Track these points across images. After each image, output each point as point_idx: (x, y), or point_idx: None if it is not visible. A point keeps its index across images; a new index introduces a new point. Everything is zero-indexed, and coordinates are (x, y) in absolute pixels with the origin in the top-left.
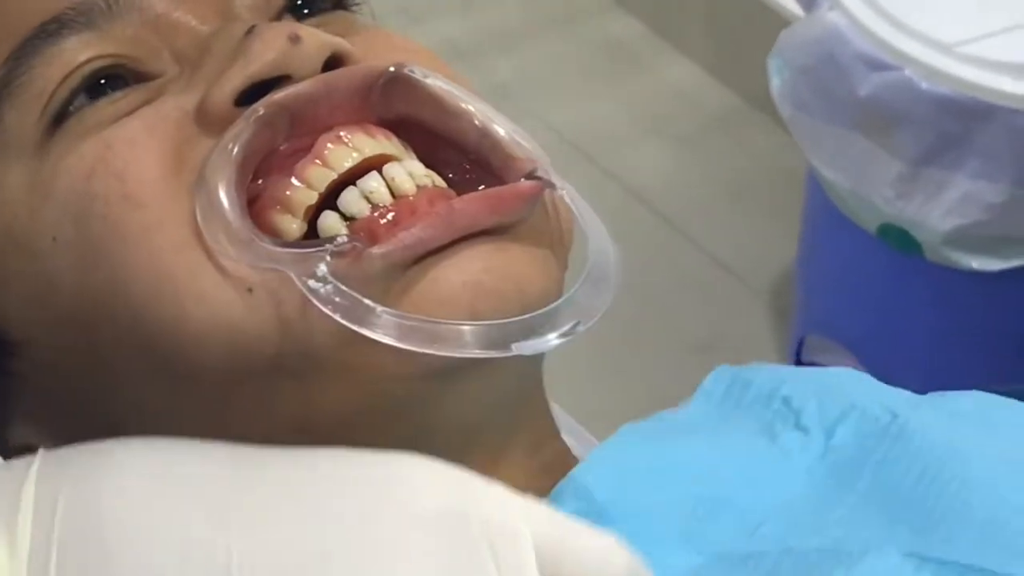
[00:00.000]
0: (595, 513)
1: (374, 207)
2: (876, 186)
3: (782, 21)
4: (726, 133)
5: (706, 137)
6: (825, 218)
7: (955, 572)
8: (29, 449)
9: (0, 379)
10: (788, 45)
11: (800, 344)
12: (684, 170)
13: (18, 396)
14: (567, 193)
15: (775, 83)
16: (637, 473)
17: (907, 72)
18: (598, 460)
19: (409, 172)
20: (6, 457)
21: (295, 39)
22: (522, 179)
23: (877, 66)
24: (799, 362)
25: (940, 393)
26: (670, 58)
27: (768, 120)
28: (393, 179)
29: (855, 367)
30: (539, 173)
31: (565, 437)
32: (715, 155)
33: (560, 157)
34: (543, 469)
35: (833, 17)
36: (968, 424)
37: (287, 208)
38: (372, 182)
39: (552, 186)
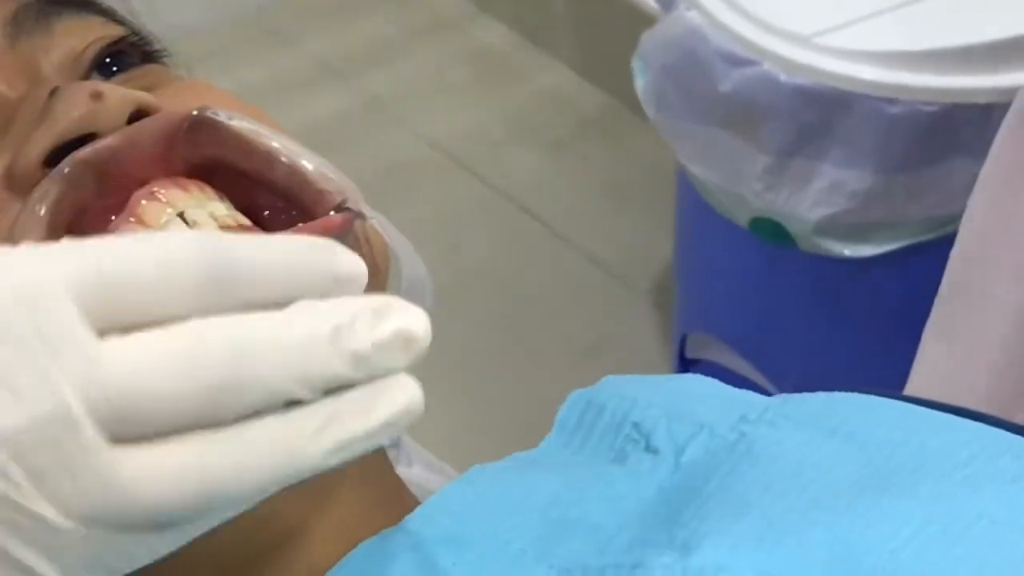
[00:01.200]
0: (432, 548)
1: None
2: (745, 180)
3: (648, 20)
4: (600, 134)
5: (580, 139)
6: (697, 215)
7: None
8: None
9: None
10: (649, 45)
11: (683, 341)
12: (560, 173)
13: None
14: (377, 222)
15: (639, 84)
16: (484, 506)
17: (766, 66)
18: (440, 499)
19: (211, 213)
20: None
21: (97, 96)
22: (331, 212)
23: (736, 62)
24: (683, 359)
25: (786, 397)
26: (540, 62)
27: (640, 120)
28: (195, 223)
29: (737, 361)
30: (348, 204)
31: (424, 472)
32: (590, 157)
33: (436, 166)
34: (376, 503)
35: (691, 16)
36: (813, 430)
37: None
38: (175, 228)
39: (362, 216)
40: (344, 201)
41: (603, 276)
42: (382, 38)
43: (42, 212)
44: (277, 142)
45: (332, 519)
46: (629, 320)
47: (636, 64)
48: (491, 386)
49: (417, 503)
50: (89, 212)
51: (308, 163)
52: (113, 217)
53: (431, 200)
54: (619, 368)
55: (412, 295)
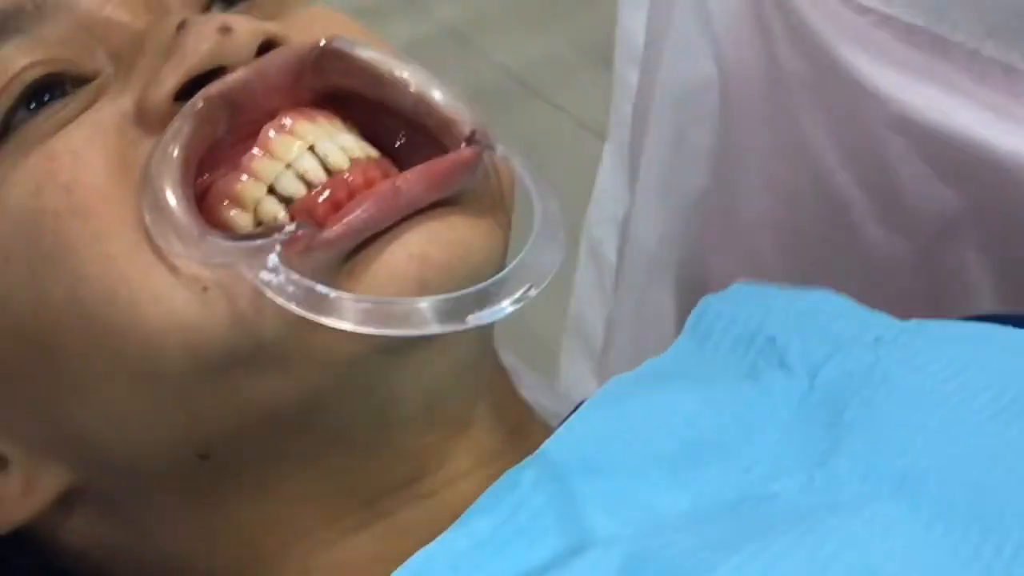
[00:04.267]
0: (571, 477)
1: (310, 186)
2: None
3: None
4: None
5: None
6: None
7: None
8: (0, 459)
9: None
10: None
11: None
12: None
13: None
14: (508, 153)
15: None
16: (619, 431)
17: None
18: (575, 423)
19: (341, 147)
20: None
21: (226, 30)
22: (462, 144)
23: None
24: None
25: (921, 321)
26: None
27: None
28: (326, 156)
29: None
30: (478, 136)
31: (529, 394)
32: None
33: (513, 94)
34: (511, 431)
35: None
36: (950, 357)
37: (237, 202)
38: (306, 162)
39: (492, 148)
40: (474, 132)
41: None
42: None
43: (175, 152)
44: (405, 71)
45: (470, 450)
46: None
47: None
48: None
49: (545, 427)
50: (220, 146)
51: (437, 92)
52: (243, 151)
53: (509, 128)
54: None
55: (545, 228)
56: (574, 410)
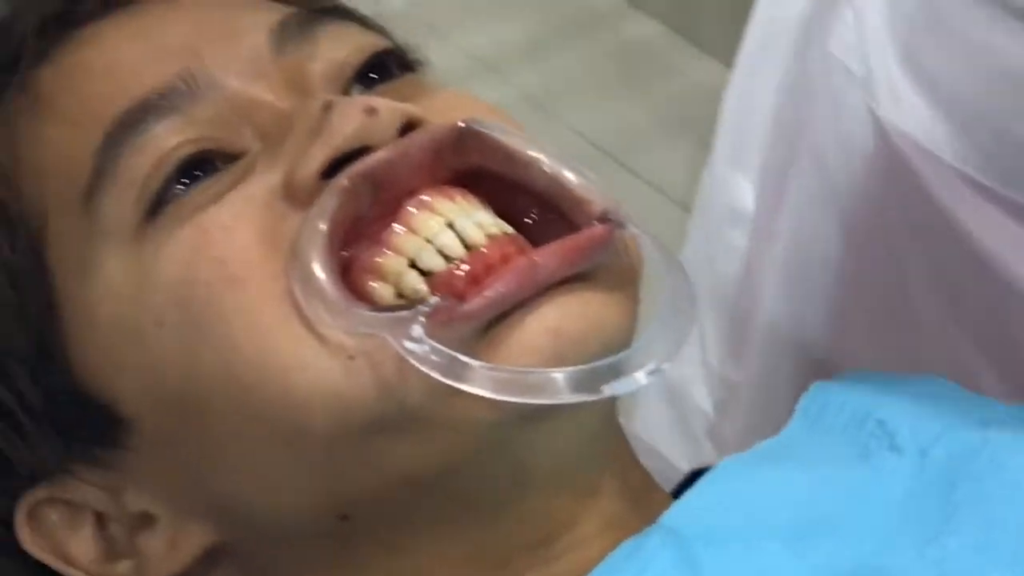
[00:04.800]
0: (691, 545)
1: (449, 261)
2: None
3: None
4: None
5: None
6: None
7: None
8: (147, 516)
9: (117, 452)
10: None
11: None
12: None
13: (134, 467)
14: (637, 230)
15: None
16: (739, 503)
17: None
18: (694, 496)
19: (478, 223)
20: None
21: (371, 111)
22: (594, 222)
23: None
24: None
25: None
26: (690, 57)
27: None
28: (464, 232)
29: None
30: (610, 214)
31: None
32: None
33: (587, 161)
34: (633, 497)
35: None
36: None
37: (379, 275)
38: (445, 238)
39: (623, 226)
40: (606, 211)
41: None
42: (534, 33)
43: (323, 227)
44: (539, 152)
45: (596, 514)
46: None
47: None
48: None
49: (663, 494)
50: (362, 221)
51: (570, 173)
52: (384, 226)
53: None
54: None
55: (674, 303)
56: (688, 480)
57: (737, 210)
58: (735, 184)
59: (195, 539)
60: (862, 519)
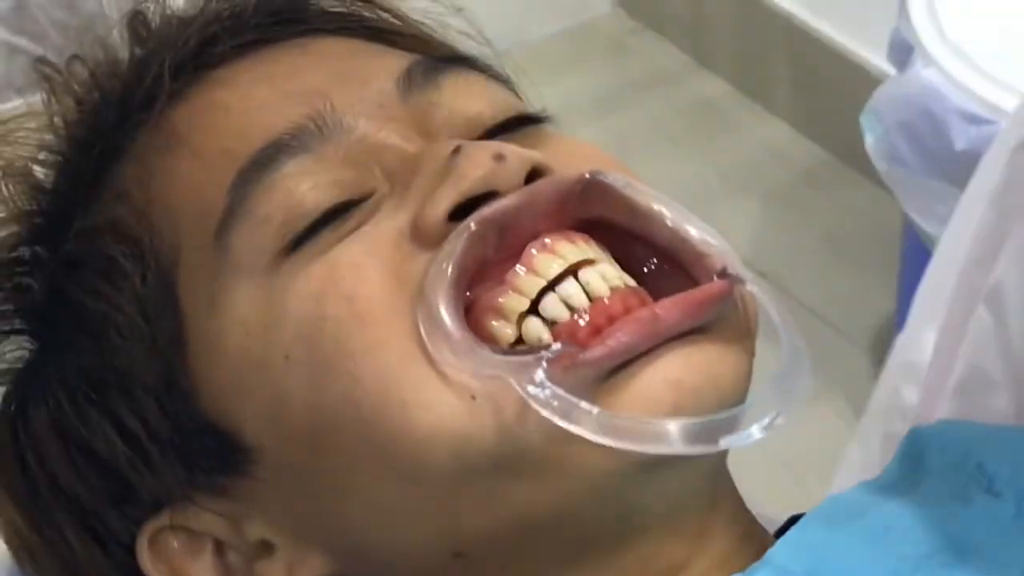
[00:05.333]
0: None
1: (572, 310)
2: None
3: (866, 76)
4: (817, 188)
5: (797, 193)
6: (923, 268)
7: None
8: (266, 545)
9: (240, 480)
10: (882, 101)
11: None
12: (777, 225)
13: (255, 496)
14: (754, 287)
15: (868, 139)
16: (842, 541)
17: (1003, 125)
18: (798, 532)
19: (602, 275)
20: (243, 551)
21: (500, 157)
22: (714, 277)
23: (973, 120)
24: None
25: None
26: (757, 116)
27: (856, 174)
28: (588, 282)
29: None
30: (729, 270)
31: None
32: (807, 210)
33: None
34: (741, 538)
35: (928, 74)
36: None
37: (501, 315)
38: (570, 288)
39: (741, 282)
40: (725, 268)
41: (822, 327)
42: (603, 89)
43: (449, 270)
44: (662, 206)
45: (706, 554)
46: (848, 372)
47: (865, 119)
48: None
49: (768, 536)
50: (487, 264)
51: (691, 227)
52: (507, 269)
53: None
54: (839, 417)
55: (792, 359)
56: (789, 523)
57: (914, 363)
58: (921, 338)
59: (312, 570)
60: (963, 559)
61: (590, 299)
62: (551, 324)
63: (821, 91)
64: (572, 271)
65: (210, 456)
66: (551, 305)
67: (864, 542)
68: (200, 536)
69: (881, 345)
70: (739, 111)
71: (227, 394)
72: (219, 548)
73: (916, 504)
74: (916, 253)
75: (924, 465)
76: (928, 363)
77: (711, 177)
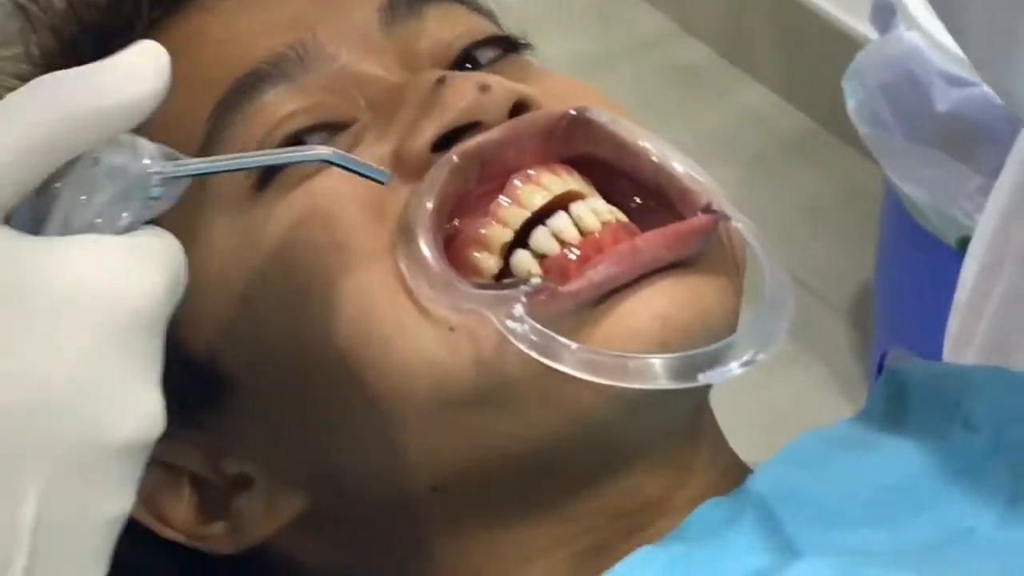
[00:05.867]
0: (774, 505)
1: (563, 244)
2: (956, 200)
3: (849, 41)
4: (798, 154)
5: (779, 158)
6: (903, 233)
7: None
8: (244, 479)
9: (216, 414)
10: (864, 65)
11: (882, 358)
12: (758, 191)
13: (233, 430)
14: (741, 224)
15: (850, 103)
16: (820, 473)
17: (986, 87)
18: (776, 463)
19: (593, 209)
20: (221, 486)
21: (484, 88)
22: (699, 212)
23: (955, 82)
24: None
25: None
26: (739, 82)
27: (838, 140)
28: (580, 217)
29: None
30: (714, 206)
31: None
32: (789, 176)
33: None
34: (722, 475)
35: (910, 36)
36: None
37: (484, 246)
38: (560, 221)
39: (727, 218)
40: (710, 202)
41: (801, 293)
42: (586, 54)
43: (430, 202)
44: (648, 142)
45: (686, 489)
46: (826, 337)
47: (847, 84)
48: None
49: (750, 472)
50: (470, 195)
51: (677, 164)
52: (490, 201)
53: None
54: (817, 382)
55: (775, 299)
56: None
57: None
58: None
59: (290, 503)
60: (940, 491)
61: (581, 234)
62: (541, 258)
63: (804, 57)
64: (563, 205)
65: (188, 388)
66: (541, 239)
67: (844, 474)
68: (178, 471)
69: (860, 311)
70: (722, 77)
71: (205, 324)
72: (197, 483)
73: (897, 439)
74: (895, 218)
75: (904, 403)
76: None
77: (693, 143)
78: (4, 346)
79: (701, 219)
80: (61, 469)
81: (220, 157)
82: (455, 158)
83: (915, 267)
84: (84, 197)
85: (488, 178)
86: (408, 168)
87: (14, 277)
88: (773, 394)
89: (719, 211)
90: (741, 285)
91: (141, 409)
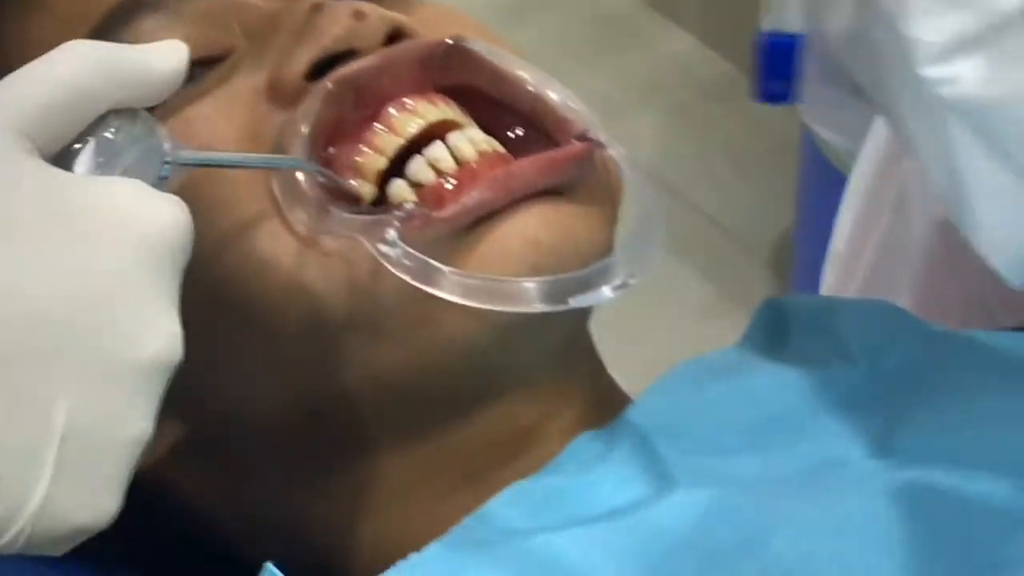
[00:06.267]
0: (651, 436)
1: (440, 174)
2: None
3: None
4: (721, 101)
5: (702, 105)
6: (821, 178)
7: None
8: None
9: None
10: (781, 11)
11: None
12: (681, 138)
13: None
14: (616, 152)
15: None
16: (696, 402)
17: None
18: (653, 392)
19: (470, 139)
20: None
21: (359, 15)
22: (573, 140)
23: None
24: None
25: (974, 331)
26: (663, 30)
27: None
28: (456, 147)
29: None
30: (590, 134)
31: None
32: (712, 123)
33: None
34: (598, 402)
35: None
36: (1001, 363)
37: (359, 174)
38: (437, 151)
39: (602, 146)
40: (586, 131)
41: (723, 239)
42: (507, 2)
43: (305, 130)
44: (525, 72)
45: (564, 416)
46: (748, 282)
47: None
48: (607, 342)
49: (629, 403)
50: (345, 123)
51: (553, 93)
52: (366, 129)
53: None
54: (736, 329)
55: (646, 223)
56: None
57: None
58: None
59: (169, 430)
60: (816, 421)
61: (458, 163)
62: (417, 187)
63: (726, 4)
64: (436, 135)
65: None
66: (418, 168)
67: (721, 403)
68: None
69: (781, 257)
70: (645, 24)
71: None
72: None
73: (775, 367)
74: (814, 165)
75: (783, 333)
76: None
77: (616, 90)
78: (47, 259)
79: (575, 146)
80: (90, 380)
81: (227, 153)
82: (329, 85)
83: (833, 213)
84: (103, 159)
85: (364, 106)
86: (283, 96)
87: (59, 201)
88: (693, 340)
89: (594, 139)
90: (615, 213)
91: (164, 330)
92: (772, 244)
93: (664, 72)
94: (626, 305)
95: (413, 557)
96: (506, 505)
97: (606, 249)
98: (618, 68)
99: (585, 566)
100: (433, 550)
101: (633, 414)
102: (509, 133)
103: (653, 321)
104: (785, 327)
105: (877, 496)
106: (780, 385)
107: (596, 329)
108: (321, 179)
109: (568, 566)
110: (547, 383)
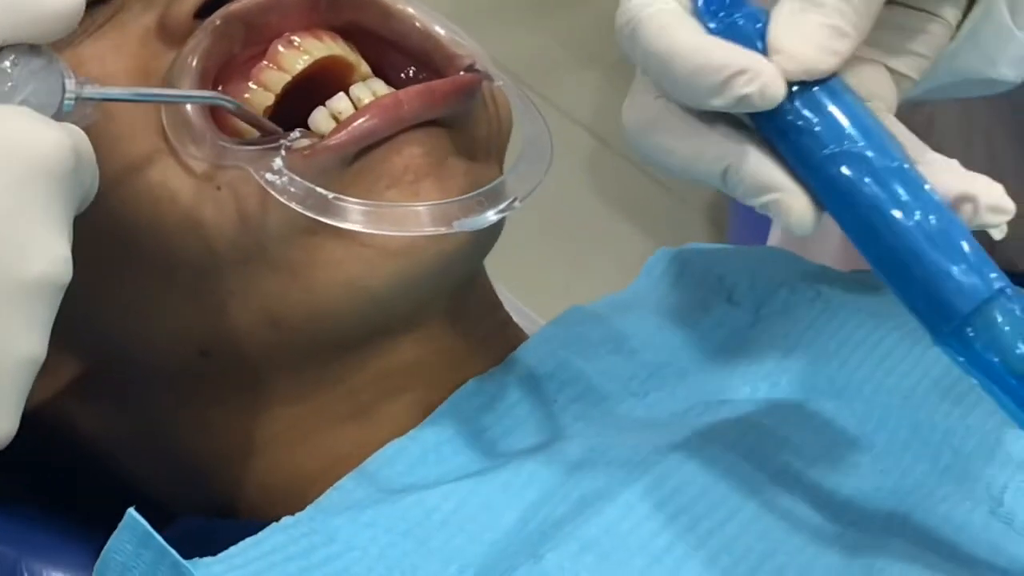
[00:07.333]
0: (537, 383)
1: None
2: None
3: None
4: None
5: None
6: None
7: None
8: None
9: None
10: None
11: None
12: (620, 95)
13: None
14: (504, 85)
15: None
16: (584, 348)
17: None
18: (541, 338)
19: (373, 92)
20: None
21: None
22: (461, 72)
23: None
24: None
25: (859, 272)
26: None
27: None
28: (359, 99)
29: None
30: (477, 67)
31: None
32: None
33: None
34: (483, 340)
35: None
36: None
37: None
38: (341, 103)
39: (489, 78)
40: (473, 64)
41: (661, 193)
42: None
43: (194, 63)
44: (412, 7)
45: (455, 353)
46: (685, 235)
47: None
48: (545, 295)
49: (522, 338)
50: (234, 61)
51: (441, 28)
52: (254, 66)
53: None
54: None
55: (531, 148)
56: None
57: None
58: None
59: (65, 367)
60: (700, 366)
61: None
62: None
63: None
64: (328, 74)
65: None
66: (320, 119)
67: (609, 349)
68: None
69: (717, 209)
70: None
71: None
72: None
73: (658, 315)
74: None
75: (667, 279)
76: None
77: (555, 49)
78: None
79: (462, 77)
80: None
81: (129, 88)
82: (218, 20)
83: None
84: (5, 89)
85: (252, 43)
86: (172, 34)
87: None
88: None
89: (481, 71)
90: (504, 145)
91: (52, 251)
92: (709, 197)
93: (604, 29)
94: (562, 257)
95: (286, 520)
96: (384, 464)
97: (492, 176)
98: (558, 24)
99: (459, 519)
100: (308, 513)
101: (523, 358)
102: (402, 75)
103: (589, 273)
104: (673, 272)
105: (746, 432)
106: (666, 330)
107: (530, 281)
108: (235, 111)
109: (441, 520)
110: (438, 319)
